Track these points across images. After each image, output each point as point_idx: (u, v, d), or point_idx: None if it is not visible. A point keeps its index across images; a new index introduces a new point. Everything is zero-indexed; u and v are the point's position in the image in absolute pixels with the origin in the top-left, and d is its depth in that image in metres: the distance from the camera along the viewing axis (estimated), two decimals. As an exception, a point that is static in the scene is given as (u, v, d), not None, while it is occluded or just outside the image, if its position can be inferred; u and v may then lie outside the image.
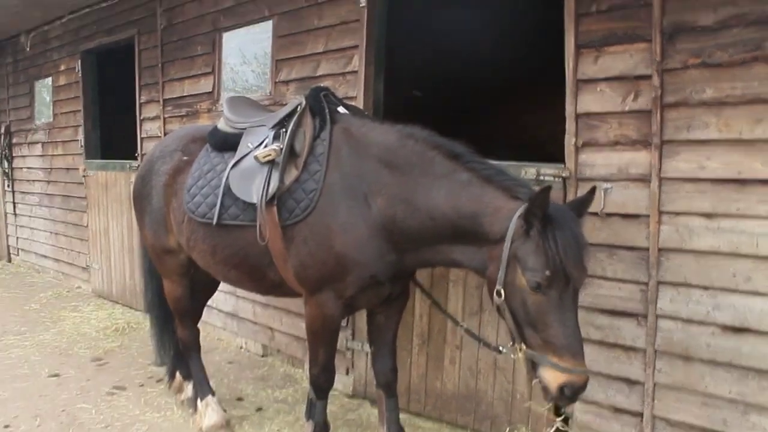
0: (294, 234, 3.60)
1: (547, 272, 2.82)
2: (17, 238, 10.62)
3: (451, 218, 3.20)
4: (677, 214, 3.52)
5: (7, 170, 10.52)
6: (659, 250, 3.59)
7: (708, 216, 3.43)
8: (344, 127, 3.69)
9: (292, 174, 3.65)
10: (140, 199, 4.54)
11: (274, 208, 3.62)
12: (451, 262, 3.38)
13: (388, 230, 3.43)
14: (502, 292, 2.96)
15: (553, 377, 2.86)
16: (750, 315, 3.34)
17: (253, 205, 3.71)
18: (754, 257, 3.30)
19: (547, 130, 4.87)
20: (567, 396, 2.86)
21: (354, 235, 3.48)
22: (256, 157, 3.75)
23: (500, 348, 3.28)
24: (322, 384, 3.83)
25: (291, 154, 3.68)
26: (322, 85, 4.27)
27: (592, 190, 3.04)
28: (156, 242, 4.45)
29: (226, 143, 4.05)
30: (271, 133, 3.82)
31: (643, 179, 3.61)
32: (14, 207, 10.56)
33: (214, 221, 3.87)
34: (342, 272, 3.52)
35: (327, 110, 3.73)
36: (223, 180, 3.87)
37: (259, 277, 3.92)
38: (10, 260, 10.93)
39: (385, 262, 3.49)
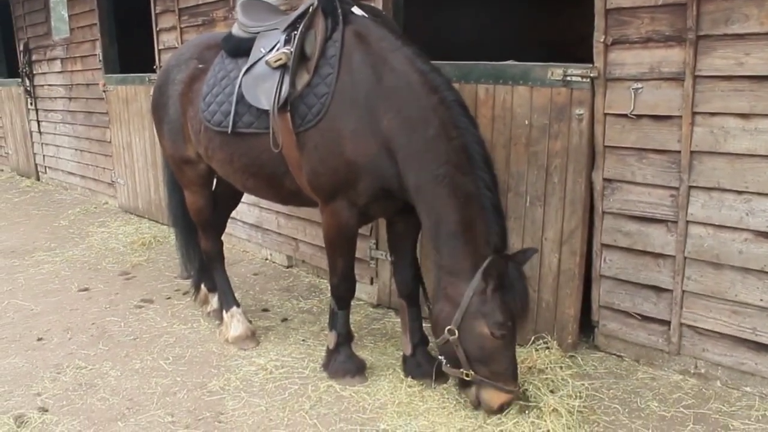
0: (306, 140, 3.51)
1: (510, 323, 3.18)
2: (44, 156, 10.64)
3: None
4: (712, 114, 3.35)
5: (29, 88, 10.42)
6: (691, 152, 3.44)
7: (745, 116, 3.25)
8: (358, 31, 3.53)
9: (304, 78, 3.52)
10: (158, 109, 4.45)
11: (287, 115, 3.51)
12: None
13: (391, 152, 3.36)
14: (456, 331, 3.23)
15: (496, 397, 3.26)
16: (786, 220, 3.21)
17: (266, 112, 3.61)
18: (793, 159, 3.14)
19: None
20: (501, 410, 3.30)
21: (364, 144, 3.39)
22: (267, 62, 3.63)
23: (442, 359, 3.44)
24: (342, 294, 3.80)
25: (302, 57, 3.54)
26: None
27: (533, 250, 3.45)
28: (175, 152, 4.38)
29: (240, 48, 3.91)
30: (283, 37, 3.68)
31: (677, 78, 3.42)
32: (38, 125, 10.52)
33: (229, 129, 3.78)
34: (353, 180, 3.45)
35: (339, 10, 3.56)
36: (236, 87, 3.76)
37: (277, 185, 3.85)
38: (38, 178, 11.00)
39: (393, 176, 3.40)
